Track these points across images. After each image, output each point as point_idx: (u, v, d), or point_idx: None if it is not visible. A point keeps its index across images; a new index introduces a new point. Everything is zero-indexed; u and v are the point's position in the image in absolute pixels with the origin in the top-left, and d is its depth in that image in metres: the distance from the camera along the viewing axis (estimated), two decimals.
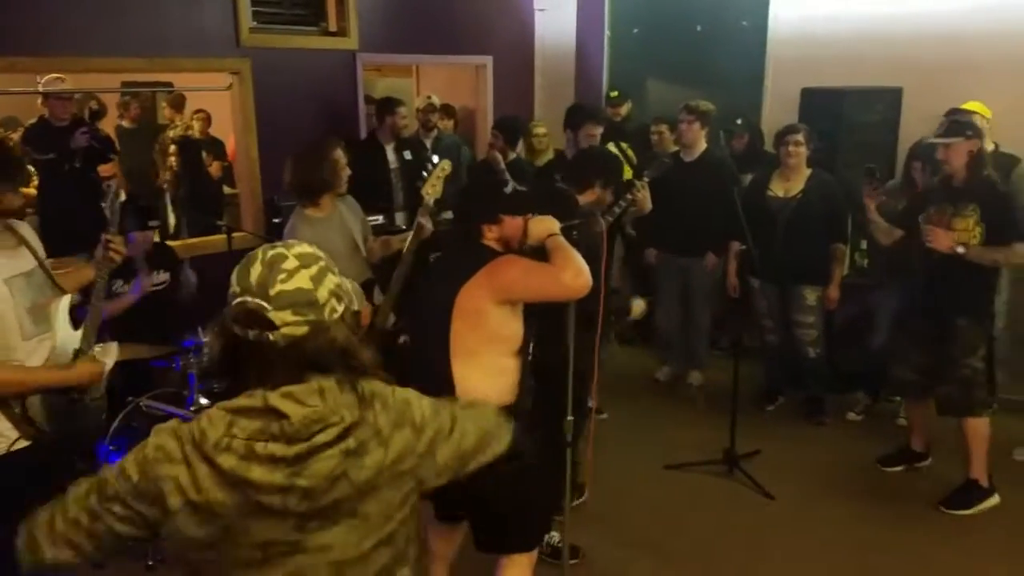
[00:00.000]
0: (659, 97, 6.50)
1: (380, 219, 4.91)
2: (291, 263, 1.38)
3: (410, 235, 3.49)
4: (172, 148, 7.09)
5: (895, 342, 4.28)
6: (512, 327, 2.49)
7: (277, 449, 1.31)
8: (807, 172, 4.66)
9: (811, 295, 4.75)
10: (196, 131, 7.20)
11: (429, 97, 6.18)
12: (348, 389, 1.39)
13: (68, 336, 2.61)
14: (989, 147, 4.72)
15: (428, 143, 5.99)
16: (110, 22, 4.65)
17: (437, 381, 2.38)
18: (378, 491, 1.42)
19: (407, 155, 5.52)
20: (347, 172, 3.58)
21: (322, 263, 1.42)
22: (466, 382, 2.43)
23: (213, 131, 7.26)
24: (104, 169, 5.37)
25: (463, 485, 2.44)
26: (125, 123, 7.10)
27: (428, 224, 3.46)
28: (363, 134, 5.87)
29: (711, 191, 4.73)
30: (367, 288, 3.61)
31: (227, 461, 1.31)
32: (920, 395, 4.19)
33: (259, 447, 1.31)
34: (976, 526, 3.81)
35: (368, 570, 1.45)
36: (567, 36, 7.03)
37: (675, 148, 5.22)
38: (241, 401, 1.36)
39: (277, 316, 1.34)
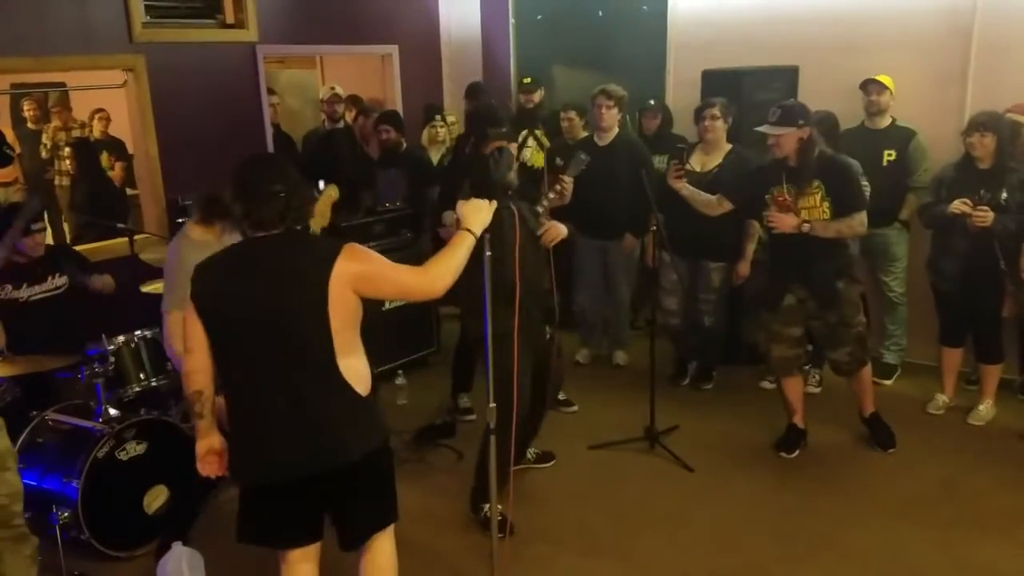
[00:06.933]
0: (565, 83, 6.55)
1: None
2: None
3: None
4: (67, 151, 6.79)
5: (767, 325, 4.23)
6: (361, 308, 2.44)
7: None
8: (726, 148, 4.71)
9: (716, 275, 4.86)
10: (95, 131, 6.91)
11: (333, 88, 6.09)
12: None
13: None
14: (886, 123, 4.94)
15: None
16: None
17: (325, 382, 2.34)
18: None
19: None
20: None
21: None
22: (352, 372, 2.37)
23: (115, 131, 6.98)
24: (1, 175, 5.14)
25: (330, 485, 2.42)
26: (29, 125, 6.81)
27: None
28: (268, 128, 5.74)
29: (626, 173, 4.79)
30: None
31: None
32: (798, 368, 4.32)
33: None
34: (885, 484, 3.98)
35: None
36: (472, 24, 7.01)
37: (584, 134, 5.24)
38: None
39: None
